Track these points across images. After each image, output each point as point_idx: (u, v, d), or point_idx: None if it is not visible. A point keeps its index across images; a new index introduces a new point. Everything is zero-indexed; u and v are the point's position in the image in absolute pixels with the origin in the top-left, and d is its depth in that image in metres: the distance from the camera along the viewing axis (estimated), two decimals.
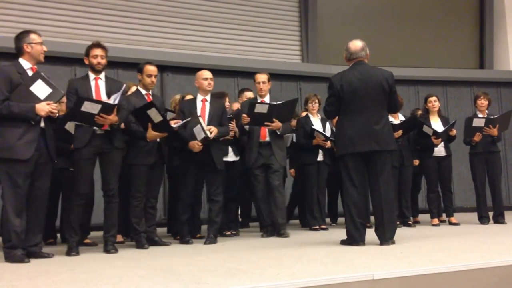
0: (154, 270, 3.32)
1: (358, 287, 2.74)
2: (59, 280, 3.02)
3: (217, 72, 8.49)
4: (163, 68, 8.37)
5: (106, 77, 4.53)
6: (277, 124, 5.45)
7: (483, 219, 6.43)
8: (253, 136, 5.61)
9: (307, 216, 6.53)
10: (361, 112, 4.29)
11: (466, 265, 3.03)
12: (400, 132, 5.95)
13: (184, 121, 4.95)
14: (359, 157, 4.32)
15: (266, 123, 5.41)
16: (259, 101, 5.60)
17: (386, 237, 4.22)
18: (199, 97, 5.28)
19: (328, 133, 6.26)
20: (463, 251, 3.80)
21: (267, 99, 5.69)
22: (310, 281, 2.67)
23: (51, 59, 7.32)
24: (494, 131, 6.24)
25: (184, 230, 5.10)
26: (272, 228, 5.52)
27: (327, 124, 6.42)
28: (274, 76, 8.84)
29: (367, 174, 4.37)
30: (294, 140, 6.80)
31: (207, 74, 5.30)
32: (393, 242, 4.24)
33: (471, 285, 2.95)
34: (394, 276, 2.83)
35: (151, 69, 4.90)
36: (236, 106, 6.35)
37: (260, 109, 5.37)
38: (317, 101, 6.49)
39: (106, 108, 4.20)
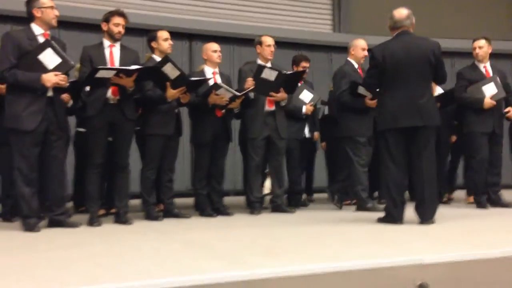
0: (189, 245, 3.22)
1: (406, 272, 2.59)
2: (95, 253, 2.94)
3: (245, 41, 8.30)
4: (191, 36, 8.19)
5: (121, 45, 4.36)
6: (283, 95, 5.07)
7: None
8: (257, 103, 5.12)
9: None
10: (405, 85, 4.07)
11: None
12: (438, 105, 5.68)
13: (202, 78, 4.80)
14: (401, 133, 4.12)
15: (271, 93, 5.02)
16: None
17: (426, 216, 4.04)
18: (209, 70, 5.07)
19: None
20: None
21: (269, 65, 5.16)
22: (357, 264, 2.52)
23: (78, 25, 7.24)
24: None
25: (203, 202, 5.00)
26: (260, 204, 5.21)
27: None
28: (304, 46, 8.62)
29: (409, 151, 4.17)
30: (326, 112, 6.61)
31: (216, 46, 5.10)
32: (433, 222, 4.06)
33: None
34: (444, 260, 2.67)
35: (166, 33, 4.71)
36: None
37: (268, 74, 4.91)
38: None
39: (123, 73, 4.08)
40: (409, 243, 3.20)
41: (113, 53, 4.29)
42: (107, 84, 4.13)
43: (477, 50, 5.63)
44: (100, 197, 4.48)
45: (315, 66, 8.85)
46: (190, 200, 6.54)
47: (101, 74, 4.01)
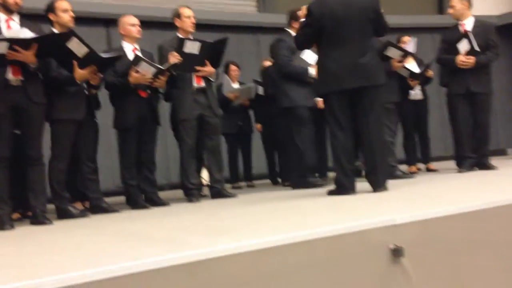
0: (121, 235, 2.72)
1: (376, 235, 2.23)
2: (2, 254, 2.37)
3: (165, 25, 7.74)
4: (108, 22, 7.55)
5: (21, 19, 3.70)
6: (210, 69, 4.61)
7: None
8: (184, 81, 4.62)
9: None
10: (346, 43, 3.73)
11: (494, 202, 2.57)
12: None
13: (115, 55, 4.22)
14: (345, 95, 3.79)
15: (198, 68, 4.54)
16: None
17: (379, 184, 3.73)
18: (128, 46, 4.50)
19: None
20: (476, 191, 3.38)
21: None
22: (324, 231, 2.13)
23: None
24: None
25: (134, 193, 4.46)
26: (198, 191, 4.77)
27: None
28: (230, 28, 8.20)
29: (355, 114, 3.85)
30: (261, 93, 6.22)
31: (134, 19, 4.54)
32: (386, 189, 3.76)
33: (505, 223, 2.50)
34: (417, 219, 2.34)
35: (66, 3, 4.03)
36: None
37: (190, 47, 4.43)
38: None
39: (18, 44, 3.42)
40: (373, 207, 2.86)
41: (11, 27, 3.63)
42: (4, 62, 3.48)
43: (450, 10, 5.38)
44: (11, 196, 3.79)
45: (242, 48, 8.49)
46: (121, 199, 5.95)
47: None
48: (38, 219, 3.63)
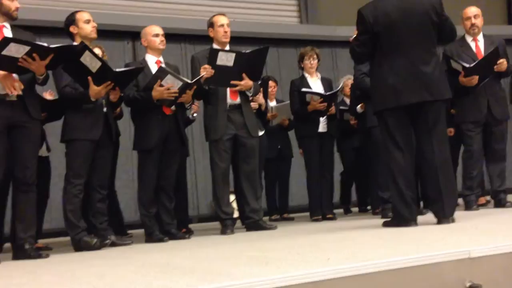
0: (148, 265, 2.67)
1: (451, 269, 2.12)
2: (20, 284, 2.36)
3: (200, 38, 7.83)
4: (134, 35, 7.68)
5: (12, 26, 3.67)
6: (247, 82, 4.54)
7: None
8: (217, 96, 4.59)
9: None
10: (404, 51, 3.63)
11: None
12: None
13: (133, 68, 4.21)
14: (404, 111, 3.69)
15: (233, 82, 4.49)
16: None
17: (446, 213, 3.57)
18: (151, 59, 4.50)
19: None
20: None
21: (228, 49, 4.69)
22: (384, 264, 2.03)
23: None
24: None
25: (151, 222, 4.32)
26: (233, 222, 4.65)
27: (338, 84, 5.67)
28: (269, 41, 8.24)
29: (415, 133, 3.75)
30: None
31: (158, 29, 4.54)
32: (453, 220, 3.60)
33: None
34: (498, 252, 2.21)
35: (87, 14, 4.10)
36: None
37: (224, 59, 4.39)
38: (315, 56, 5.73)
39: (37, 52, 3.43)
40: (442, 239, 2.73)
41: (4, 34, 3.59)
42: (13, 68, 3.44)
43: (473, 20, 5.02)
44: None
45: (282, 62, 8.49)
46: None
47: (9, 50, 3.35)
48: (27, 253, 3.50)
